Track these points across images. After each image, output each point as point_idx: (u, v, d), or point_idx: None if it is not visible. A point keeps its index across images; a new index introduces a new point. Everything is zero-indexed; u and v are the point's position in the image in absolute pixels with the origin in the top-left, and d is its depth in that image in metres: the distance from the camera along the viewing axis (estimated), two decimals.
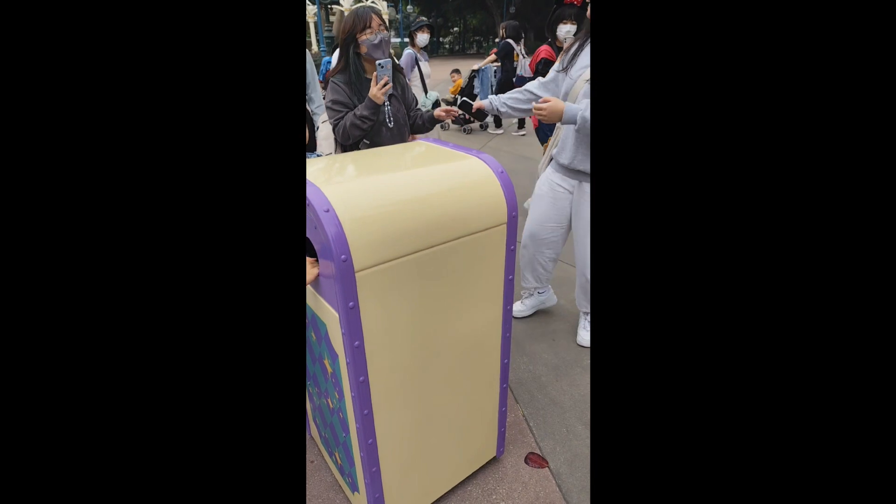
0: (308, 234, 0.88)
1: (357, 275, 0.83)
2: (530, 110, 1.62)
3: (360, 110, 1.53)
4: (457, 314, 1.04)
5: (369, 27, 1.52)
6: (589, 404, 1.59)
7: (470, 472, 1.33)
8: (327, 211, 0.80)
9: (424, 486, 1.20)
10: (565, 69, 1.59)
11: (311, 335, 1.08)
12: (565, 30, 2.60)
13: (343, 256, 0.80)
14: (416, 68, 3.28)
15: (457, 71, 6.66)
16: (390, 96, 1.62)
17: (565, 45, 1.62)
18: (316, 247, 0.88)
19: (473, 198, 0.99)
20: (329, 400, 1.12)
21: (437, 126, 3.14)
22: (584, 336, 1.89)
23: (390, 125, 1.63)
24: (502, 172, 1.05)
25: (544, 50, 2.80)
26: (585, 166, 1.59)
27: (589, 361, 1.81)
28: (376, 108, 1.53)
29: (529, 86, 1.72)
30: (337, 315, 0.88)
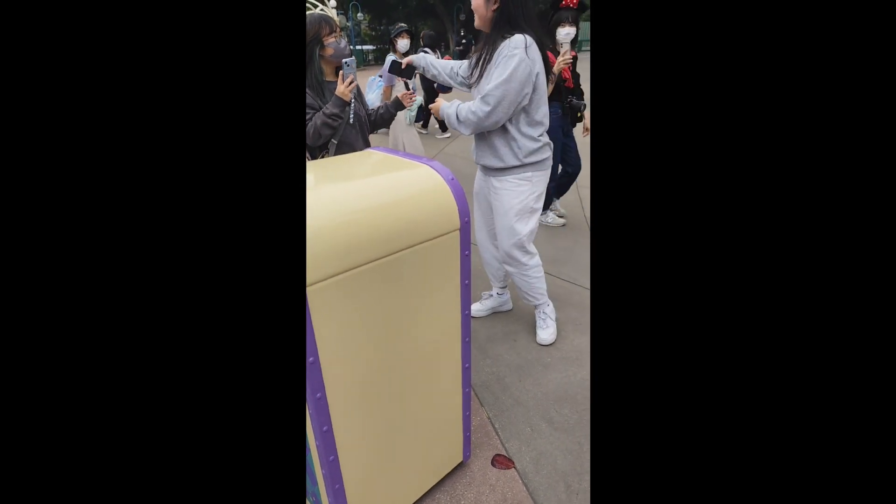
0: None
1: (308, 289, 0.82)
2: (450, 86, 1.82)
3: (329, 108, 1.56)
4: (414, 322, 1.05)
5: (335, 31, 1.58)
6: (552, 401, 1.62)
7: (437, 479, 1.33)
8: None
9: (391, 497, 1.20)
10: (476, 83, 1.62)
11: None
12: (564, 33, 2.67)
13: None
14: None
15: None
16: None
17: (471, 56, 1.69)
18: None
19: (425, 205, 1.01)
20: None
21: (416, 129, 3.08)
22: (543, 335, 1.95)
23: (352, 123, 1.67)
24: (452, 179, 1.07)
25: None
26: (484, 160, 1.73)
27: (549, 359, 1.84)
28: (344, 105, 1.57)
29: (458, 63, 1.79)
30: None
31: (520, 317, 2.15)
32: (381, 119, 1.82)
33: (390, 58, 2.89)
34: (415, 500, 1.28)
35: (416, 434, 1.18)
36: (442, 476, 1.34)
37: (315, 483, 1.08)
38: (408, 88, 2.18)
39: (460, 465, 1.40)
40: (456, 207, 1.05)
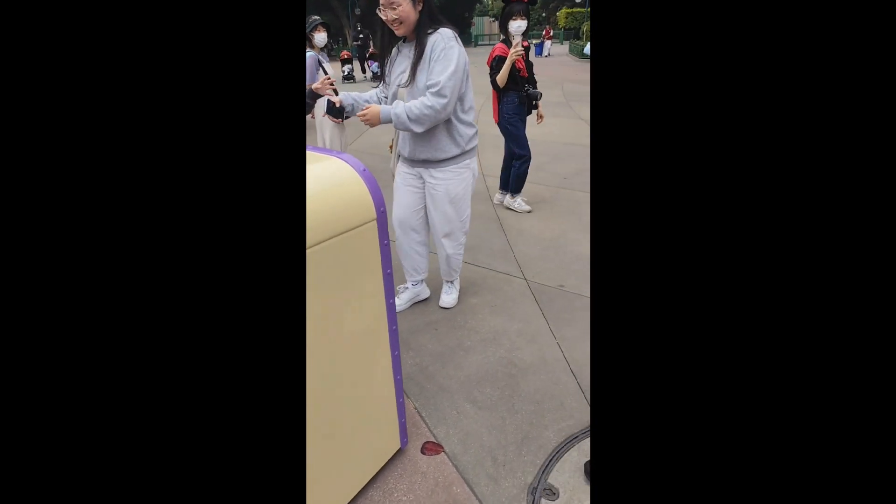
0: None
1: None
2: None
3: None
4: (340, 315, 1.06)
5: None
6: (475, 383, 1.69)
7: (378, 468, 1.35)
8: None
9: (334, 492, 1.21)
10: (384, 79, 1.75)
11: None
12: (515, 25, 2.76)
13: None
14: (321, 71, 3.06)
15: None
16: None
17: (388, 61, 1.74)
18: None
19: (339, 198, 1.02)
20: None
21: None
22: (446, 299, 2.15)
23: None
24: (364, 170, 1.09)
25: (499, 48, 2.91)
26: (425, 154, 1.79)
27: (469, 342, 1.91)
28: None
29: (377, 90, 1.87)
30: None
31: (438, 305, 2.19)
32: None
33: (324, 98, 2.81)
34: (357, 491, 1.28)
35: (353, 426, 1.19)
36: (382, 464, 1.36)
37: None
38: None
39: (397, 454, 1.42)
40: (371, 198, 1.07)
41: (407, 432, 1.46)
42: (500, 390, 1.65)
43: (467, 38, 34.23)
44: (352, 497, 1.27)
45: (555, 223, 3.09)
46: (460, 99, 1.67)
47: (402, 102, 1.62)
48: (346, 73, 12.00)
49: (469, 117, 1.75)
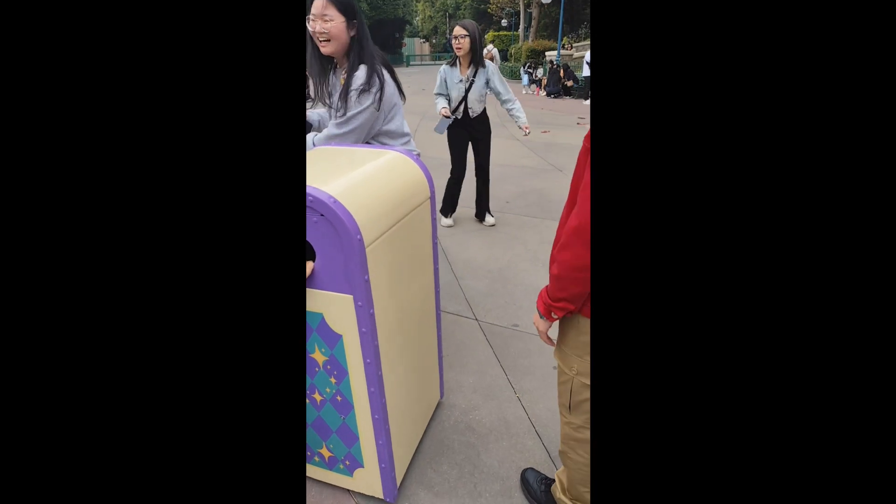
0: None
1: (367, 249, 0.99)
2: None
3: None
4: (412, 275, 1.27)
5: None
6: (429, 459, 1.44)
7: (430, 415, 1.56)
8: (334, 202, 0.94)
9: (410, 436, 1.38)
10: (323, 102, 1.61)
11: None
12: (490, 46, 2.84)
13: (358, 236, 0.96)
14: None
15: None
16: None
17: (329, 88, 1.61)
18: (316, 241, 0.99)
19: (409, 179, 1.24)
20: (317, 393, 1.19)
21: None
22: None
23: None
24: (416, 157, 1.33)
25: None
26: None
27: None
28: None
29: (322, 110, 1.75)
30: (339, 297, 1.03)
31: None
32: None
33: None
34: (420, 436, 1.48)
35: (420, 375, 1.40)
36: (432, 412, 1.59)
37: (354, 441, 1.22)
38: None
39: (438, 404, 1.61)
40: (426, 179, 1.31)
41: (444, 386, 1.68)
42: (458, 467, 1.42)
43: (399, 59, 34.58)
44: (419, 441, 1.48)
45: (500, 251, 2.95)
46: (388, 132, 1.56)
47: (314, 135, 1.55)
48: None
49: (397, 143, 1.58)
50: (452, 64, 2.98)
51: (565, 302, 0.88)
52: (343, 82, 1.44)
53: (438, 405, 1.65)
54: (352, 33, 1.41)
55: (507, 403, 1.67)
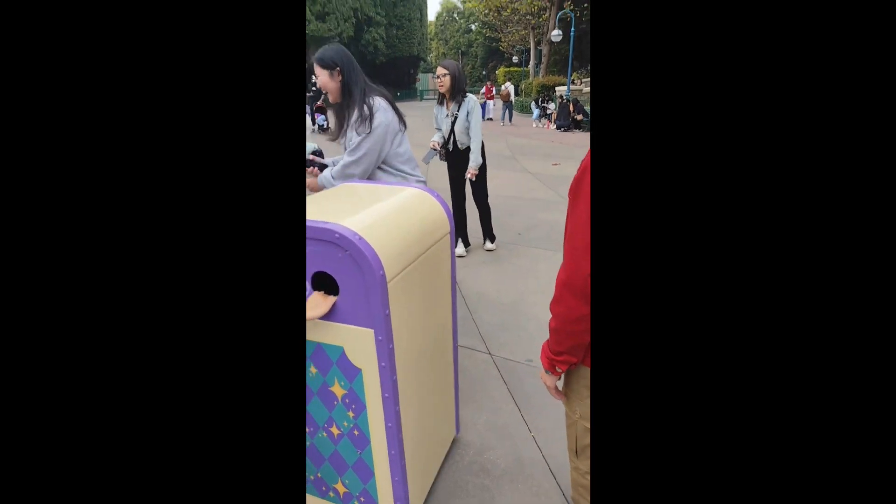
0: (326, 268, 1.01)
1: (388, 284, 1.00)
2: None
3: None
4: (431, 310, 1.28)
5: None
6: (442, 502, 1.40)
7: (445, 452, 1.52)
8: (359, 238, 0.97)
9: (425, 474, 1.36)
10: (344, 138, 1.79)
11: (311, 370, 1.15)
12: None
13: (381, 271, 0.98)
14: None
15: None
16: None
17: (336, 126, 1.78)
18: (340, 276, 1.01)
19: (429, 215, 1.27)
20: (334, 427, 1.19)
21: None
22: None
23: None
24: (437, 194, 1.36)
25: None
26: None
27: None
28: None
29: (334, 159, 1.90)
30: (360, 331, 1.04)
31: None
32: None
33: (310, 148, 3.04)
34: (435, 474, 1.46)
35: (435, 410, 1.38)
36: (448, 448, 1.56)
37: (370, 477, 1.20)
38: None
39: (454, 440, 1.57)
40: (445, 215, 1.35)
41: (460, 423, 1.64)
42: None
43: (413, 93, 35.69)
44: (433, 479, 1.45)
45: (512, 284, 2.94)
46: (397, 155, 1.73)
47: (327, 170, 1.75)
48: (322, 124, 11.87)
49: (406, 167, 1.76)
50: (440, 102, 3.15)
51: (566, 355, 0.88)
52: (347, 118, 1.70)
53: (454, 442, 1.62)
54: (338, 80, 1.65)
55: (522, 443, 1.63)
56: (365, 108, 1.62)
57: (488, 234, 3.53)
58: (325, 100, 1.75)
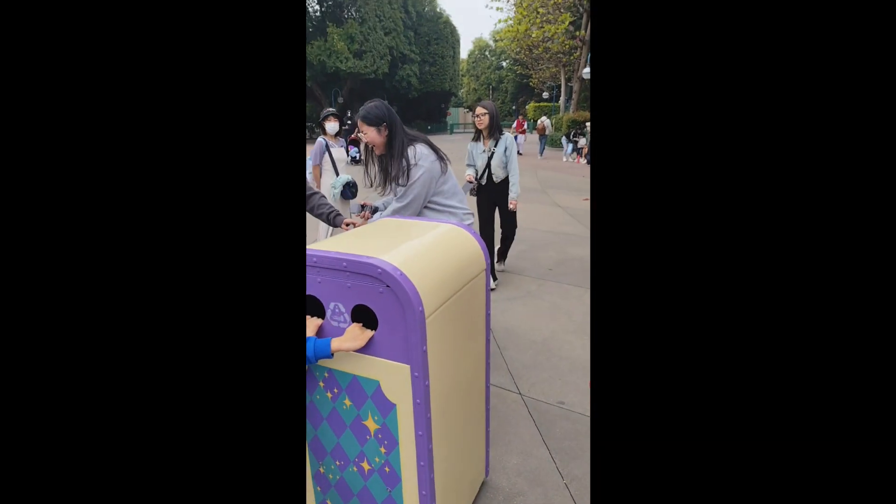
0: (366, 302, 1.03)
1: (427, 321, 1.01)
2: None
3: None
4: (466, 347, 1.27)
5: None
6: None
7: (473, 497, 1.48)
8: (401, 274, 0.98)
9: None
10: (393, 189, 1.91)
11: (345, 402, 1.15)
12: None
13: (420, 308, 0.98)
14: (327, 154, 3.64)
15: None
16: None
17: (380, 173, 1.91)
18: (381, 309, 1.01)
19: (465, 251, 1.29)
20: (365, 462, 1.18)
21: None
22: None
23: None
24: (474, 232, 1.39)
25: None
26: None
27: None
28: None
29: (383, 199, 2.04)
30: (396, 366, 1.04)
31: None
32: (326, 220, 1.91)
33: (344, 179, 3.43)
34: None
35: (464, 450, 1.35)
36: (477, 491, 1.52)
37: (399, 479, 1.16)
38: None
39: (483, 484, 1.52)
40: (481, 251, 1.35)
41: (489, 464, 1.61)
42: None
43: (443, 127, 36.61)
44: None
45: (544, 321, 2.89)
46: (442, 192, 1.84)
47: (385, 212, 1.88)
48: (355, 156, 12.50)
49: (452, 202, 1.87)
50: (476, 139, 3.35)
51: None
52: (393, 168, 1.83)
53: (483, 485, 1.57)
54: (385, 134, 1.78)
55: (555, 491, 1.56)
56: (403, 161, 1.75)
57: (503, 256, 3.71)
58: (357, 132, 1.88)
